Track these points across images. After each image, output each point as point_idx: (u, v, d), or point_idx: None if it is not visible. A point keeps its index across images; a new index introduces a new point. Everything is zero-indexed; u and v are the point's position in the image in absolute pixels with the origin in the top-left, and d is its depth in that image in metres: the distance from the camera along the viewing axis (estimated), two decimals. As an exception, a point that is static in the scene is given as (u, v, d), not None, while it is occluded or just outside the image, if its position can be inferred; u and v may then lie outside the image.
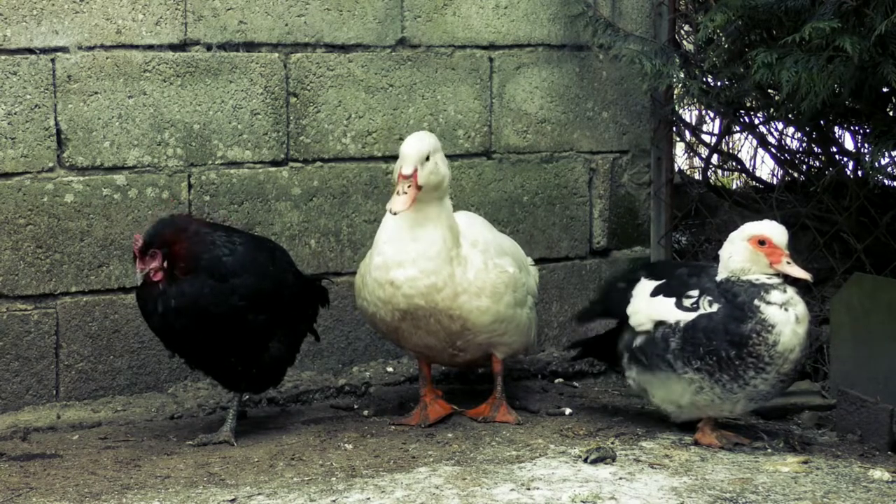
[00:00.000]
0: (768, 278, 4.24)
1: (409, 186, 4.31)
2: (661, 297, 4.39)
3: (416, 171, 4.32)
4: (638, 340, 4.44)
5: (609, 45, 5.49)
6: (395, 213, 4.33)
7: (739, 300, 4.22)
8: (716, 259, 4.43)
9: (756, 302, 4.20)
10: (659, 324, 4.37)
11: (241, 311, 4.30)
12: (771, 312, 4.18)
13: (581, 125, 5.66)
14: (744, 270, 4.26)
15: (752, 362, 4.20)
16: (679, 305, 4.33)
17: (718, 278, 4.32)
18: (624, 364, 4.56)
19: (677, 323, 4.31)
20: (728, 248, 4.32)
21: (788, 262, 4.23)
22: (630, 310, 4.47)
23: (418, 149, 4.36)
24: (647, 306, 4.41)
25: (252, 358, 4.42)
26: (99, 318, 4.85)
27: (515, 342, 4.72)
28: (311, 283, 4.79)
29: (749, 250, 4.26)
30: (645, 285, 4.48)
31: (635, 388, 4.60)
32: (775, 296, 4.20)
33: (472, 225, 4.66)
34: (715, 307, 4.26)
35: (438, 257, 4.39)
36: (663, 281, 4.44)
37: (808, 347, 4.30)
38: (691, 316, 4.29)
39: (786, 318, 4.18)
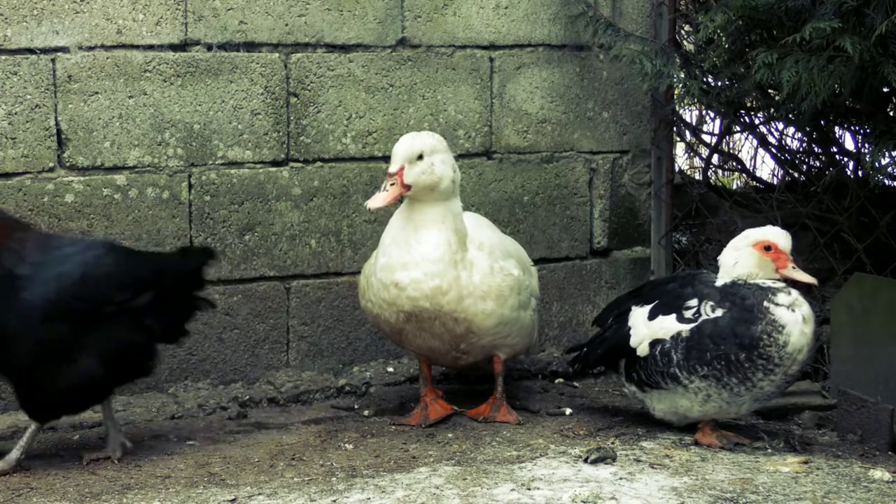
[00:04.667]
0: (773, 282, 4.25)
1: (392, 184, 4.30)
2: (660, 318, 4.36)
3: (401, 169, 4.30)
4: (640, 361, 4.42)
5: (609, 45, 5.49)
6: (371, 210, 4.31)
7: (748, 302, 4.21)
8: (714, 262, 4.43)
9: (766, 304, 4.19)
10: (657, 341, 4.37)
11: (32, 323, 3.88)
12: (780, 313, 4.18)
13: (581, 125, 5.66)
14: (751, 275, 4.26)
15: (761, 364, 4.19)
16: (681, 319, 4.32)
17: (719, 283, 4.31)
18: (623, 381, 4.56)
19: (678, 334, 4.30)
20: (732, 255, 4.31)
21: (794, 268, 4.25)
22: (634, 342, 4.43)
23: (408, 146, 4.33)
24: (651, 332, 4.39)
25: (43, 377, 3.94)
26: (99, 318, 4.84)
27: (518, 343, 4.72)
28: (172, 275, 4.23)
29: (756, 256, 4.26)
30: (638, 313, 4.46)
31: (636, 403, 4.61)
32: (782, 297, 4.21)
33: (479, 227, 4.64)
34: (719, 312, 4.25)
35: (442, 260, 4.38)
36: (656, 302, 4.42)
37: (814, 348, 4.31)
38: (693, 324, 4.28)
39: (794, 318, 4.18)
